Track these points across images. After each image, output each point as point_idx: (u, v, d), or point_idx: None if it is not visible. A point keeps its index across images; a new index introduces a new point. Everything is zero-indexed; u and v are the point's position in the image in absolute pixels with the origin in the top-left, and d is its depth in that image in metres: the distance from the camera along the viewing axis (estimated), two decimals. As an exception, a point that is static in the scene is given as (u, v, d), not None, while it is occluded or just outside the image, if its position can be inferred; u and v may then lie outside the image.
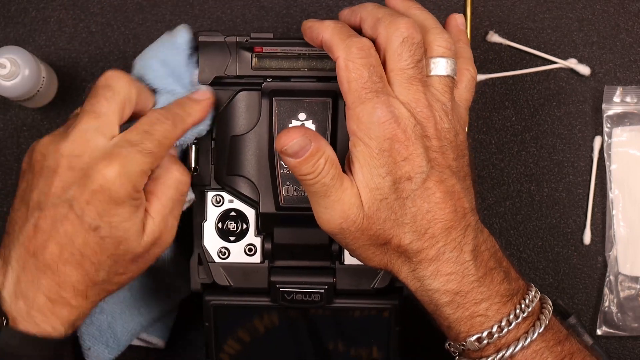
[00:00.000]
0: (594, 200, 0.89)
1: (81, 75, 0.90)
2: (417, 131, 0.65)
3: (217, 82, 0.75)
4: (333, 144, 0.73)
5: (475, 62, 0.90)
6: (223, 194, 0.77)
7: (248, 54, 0.75)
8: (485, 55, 0.90)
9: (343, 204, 0.65)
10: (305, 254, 0.76)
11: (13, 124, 0.90)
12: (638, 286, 0.88)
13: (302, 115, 0.73)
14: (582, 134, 0.90)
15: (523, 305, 0.67)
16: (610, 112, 0.89)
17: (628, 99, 0.89)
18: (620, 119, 0.89)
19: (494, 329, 0.66)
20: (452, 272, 0.66)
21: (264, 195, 0.74)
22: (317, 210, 0.67)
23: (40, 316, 0.65)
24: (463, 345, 0.67)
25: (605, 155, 0.89)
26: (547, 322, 0.67)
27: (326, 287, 0.76)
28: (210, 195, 0.77)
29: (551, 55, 0.90)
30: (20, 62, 0.82)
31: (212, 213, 0.77)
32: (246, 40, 0.75)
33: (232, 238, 0.76)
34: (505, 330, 0.66)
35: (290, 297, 0.75)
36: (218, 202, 0.77)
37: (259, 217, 0.75)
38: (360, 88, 0.65)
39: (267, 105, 0.73)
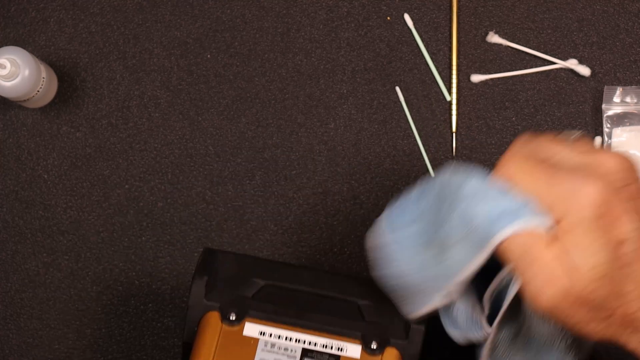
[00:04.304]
0: (594, 201, 0.89)
1: (81, 75, 0.90)
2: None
3: None
4: None
5: (475, 62, 0.90)
6: None
7: None
8: (485, 56, 0.90)
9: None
10: None
11: (13, 124, 0.90)
12: (638, 286, 0.88)
13: None
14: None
15: None
16: (610, 113, 0.89)
17: (628, 99, 0.89)
18: (620, 119, 0.89)
19: None
20: None
21: None
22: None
23: None
24: None
25: (605, 155, 0.89)
26: None
27: None
28: None
29: (551, 55, 0.90)
30: (20, 62, 0.82)
31: None
32: None
33: None
34: None
35: None
36: None
37: None
38: None
39: None
